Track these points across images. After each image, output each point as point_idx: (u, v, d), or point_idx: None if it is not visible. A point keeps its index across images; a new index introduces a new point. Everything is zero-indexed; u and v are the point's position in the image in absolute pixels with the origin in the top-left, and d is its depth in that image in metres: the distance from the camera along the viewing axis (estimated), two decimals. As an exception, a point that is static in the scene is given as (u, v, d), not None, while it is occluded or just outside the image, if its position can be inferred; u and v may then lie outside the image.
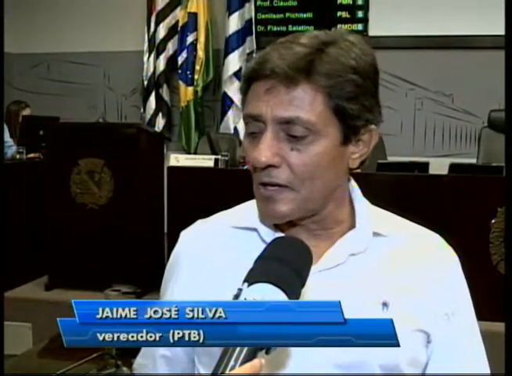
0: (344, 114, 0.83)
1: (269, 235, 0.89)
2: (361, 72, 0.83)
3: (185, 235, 1.00)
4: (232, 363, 0.66)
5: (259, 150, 0.82)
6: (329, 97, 0.82)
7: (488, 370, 0.94)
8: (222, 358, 0.67)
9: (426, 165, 3.49)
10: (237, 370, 0.65)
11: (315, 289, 0.85)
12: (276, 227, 0.91)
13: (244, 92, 0.87)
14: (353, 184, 0.94)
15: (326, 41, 0.84)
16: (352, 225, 0.91)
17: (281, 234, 0.90)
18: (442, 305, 0.90)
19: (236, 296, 0.69)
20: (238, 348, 0.66)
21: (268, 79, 0.82)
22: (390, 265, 0.89)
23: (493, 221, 3.20)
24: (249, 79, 0.86)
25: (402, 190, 3.33)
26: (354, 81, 0.82)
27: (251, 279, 0.71)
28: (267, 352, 0.68)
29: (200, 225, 1.00)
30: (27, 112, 5.36)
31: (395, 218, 0.97)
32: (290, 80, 0.81)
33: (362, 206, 0.93)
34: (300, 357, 0.84)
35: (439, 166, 3.60)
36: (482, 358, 0.94)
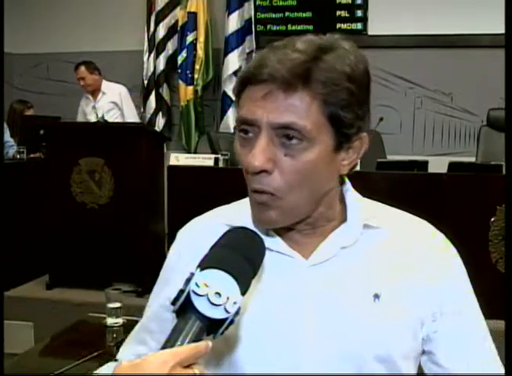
0: (338, 122, 0.83)
1: (262, 235, 0.89)
2: (356, 80, 0.83)
3: (182, 234, 1.01)
4: (178, 342, 0.69)
5: (253, 154, 0.81)
6: (324, 104, 0.81)
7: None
8: (170, 336, 0.69)
9: (425, 164, 3.49)
10: (181, 348, 0.68)
11: (308, 283, 0.88)
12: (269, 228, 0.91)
13: (238, 94, 0.87)
14: (347, 184, 0.95)
15: (322, 47, 0.83)
16: (344, 220, 0.92)
17: (274, 234, 0.91)
18: (437, 294, 0.90)
19: (188, 280, 0.71)
20: (185, 330, 0.69)
21: (265, 84, 0.81)
22: (381, 257, 0.91)
23: (492, 219, 3.20)
24: (244, 82, 0.84)
25: (402, 189, 3.33)
26: (349, 90, 0.82)
27: (204, 264, 0.72)
28: (214, 337, 0.71)
29: (196, 223, 1.01)
30: (30, 112, 5.37)
31: (388, 209, 0.97)
32: (288, 86, 0.80)
33: (354, 201, 0.94)
34: (296, 349, 0.86)
35: (438, 164, 3.59)
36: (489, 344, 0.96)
